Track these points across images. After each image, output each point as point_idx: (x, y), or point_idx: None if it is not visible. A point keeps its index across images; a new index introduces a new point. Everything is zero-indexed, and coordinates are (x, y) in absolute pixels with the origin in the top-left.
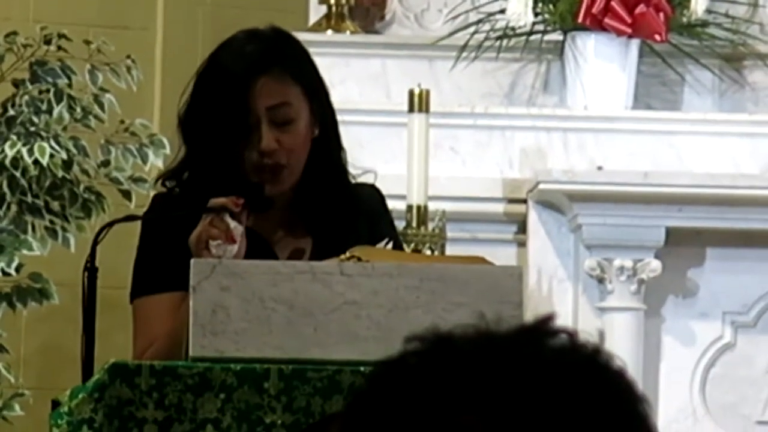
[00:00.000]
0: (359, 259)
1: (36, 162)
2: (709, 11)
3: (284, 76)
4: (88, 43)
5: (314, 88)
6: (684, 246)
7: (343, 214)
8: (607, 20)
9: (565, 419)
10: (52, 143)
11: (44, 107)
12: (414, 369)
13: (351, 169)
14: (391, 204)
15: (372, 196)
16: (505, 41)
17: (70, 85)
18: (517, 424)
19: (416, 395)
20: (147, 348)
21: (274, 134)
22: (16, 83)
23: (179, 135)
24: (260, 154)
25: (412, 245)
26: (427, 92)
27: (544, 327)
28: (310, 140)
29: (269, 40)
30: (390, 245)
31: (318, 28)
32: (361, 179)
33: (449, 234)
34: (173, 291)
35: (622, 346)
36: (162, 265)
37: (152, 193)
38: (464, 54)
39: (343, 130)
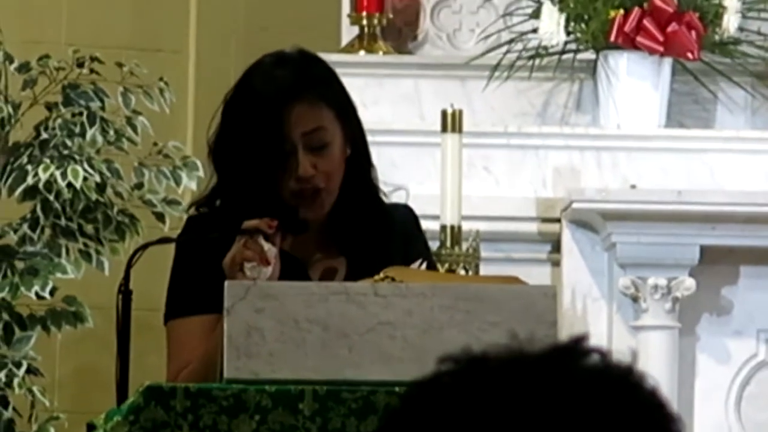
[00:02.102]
0: (393, 280)
1: (69, 185)
2: (741, 29)
3: (317, 101)
4: (120, 65)
5: (345, 108)
6: (718, 264)
7: (377, 235)
8: (639, 39)
9: None
10: (86, 166)
11: (77, 130)
12: (448, 389)
13: (382, 186)
14: (425, 224)
15: (406, 217)
16: (537, 60)
17: (103, 108)
18: None
19: (450, 416)
20: (181, 370)
21: (311, 159)
22: (49, 106)
23: (210, 162)
24: (297, 181)
25: (447, 265)
26: (460, 112)
27: (577, 347)
28: (344, 161)
29: (298, 64)
30: (424, 265)
31: (350, 49)
32: (393, 196)
33: (483, 254)
34: (207, 313)
35: (656, 364)
36: (196, 287)
37: (185, 216)
38: (497, 73)
39: (376, 150)
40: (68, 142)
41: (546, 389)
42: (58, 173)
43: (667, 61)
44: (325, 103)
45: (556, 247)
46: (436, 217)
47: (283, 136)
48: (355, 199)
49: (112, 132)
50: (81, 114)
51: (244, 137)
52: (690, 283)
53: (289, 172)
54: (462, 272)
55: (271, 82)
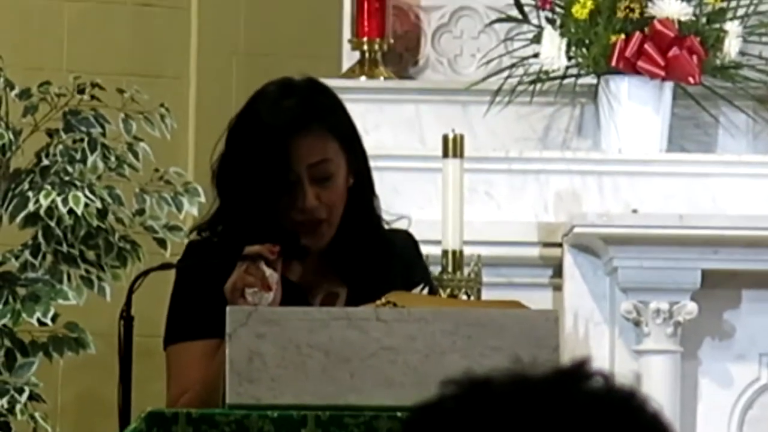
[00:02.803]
0: (395, 305)
1: (71, 211)
2: (742, 53)
3: (323, 132)
4: (121, 92)
5: (350, 138)
6: (720, 288)
7: (378, 262)
8: (640, 63)
9: None
10: (87, 192)
11: (78, 156)
12: (451, 413)
13: (385, 215)
14: (427, 249)
15: (405, 243)
16: (538, 85)
17: (103, 134)
18: None
19: None
20: (181, 395)
21: (315, 191)
22: (50, 133)
23: (213, 188)
24: (301, 212)
25: (448, 290)
26: (462, 137)
27: (579, 370)
28: (346, 191)
29: (305, 93)
30: (425, 291)
31: (351, 74)
32: (395, 225)
33: (485, 279)
34: (208, 338)
35: (659, 388)
36: (197, 312)
37: (186, 240)
38: (498, 98)
39: (377, 176)
40: (69, 169)
41: (549, 413)
42: (59, 199)
43: (669, 86)
44: (331, 134)
45: (558, 271)
46: (437, 242)
47: (288, 167)
48: (357, 228)
49: (113, 158)
50: (82, 140)
51: (248, 166)
52: (692, 307)
53: (293, 202)
54: (464, 297)
55: (277, 111)
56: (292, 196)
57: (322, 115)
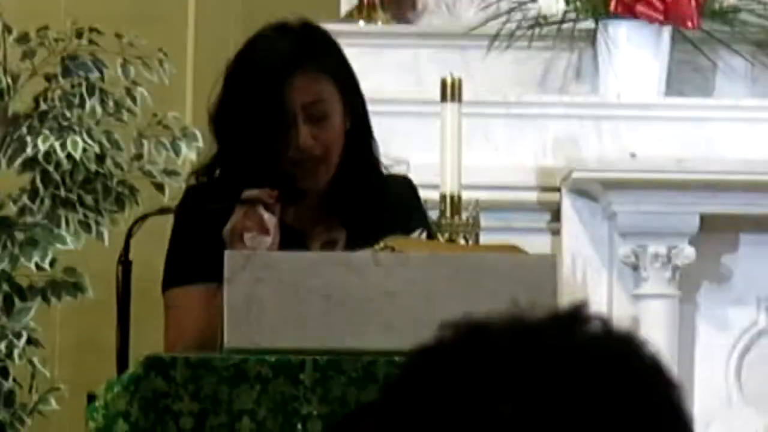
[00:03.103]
0: (393, 250)
1: (69, 156)
2: None
3: (318, 72)
4: (119, 36)
5: (346, 81)
6: (718, 232)
7: (377, 206)
8: (639, 7)
9: (598, 406)
10: (85, 137)
11: (76, 101)
12: (448, 357)
13: (383, 160)
14: (425, 194)
15: (405, 188)
16: (537, 30)
17: (102, 79)
18: (551, 412)
19: (451, 383)
20: (179, 339)
21: (310, 131)
22: (48, 78)
23: (211, 132)
24: (297, 151)
25: (447, 235)
26: (460, 81)
27: (577, 314)
28: (343, 133)
29: (300, 35)
30: (424, 235)
31: (350, 18)
32: (394, 169)
33: (483, 223)
34: (206, 282)
35: (656, 332)
36: (195, 257)
37: (185, 185)
38: (496, 43)
39: (375, 120)
40: (67, 114)
41: (547, 356)
42: (57, 144)
43: (667, 30)
44: (325, 74)
45: (556, 216)
46: (435, 187)
47: (283, 107)
48: (355, 171)
49: (111, 103)
50: (80, 85)
51: (244, 107)
52: (690, 251)
53: (289, 142)
54: (462, 241)
55: (272, 52)
56: (288, 136)
57: (317, 56)
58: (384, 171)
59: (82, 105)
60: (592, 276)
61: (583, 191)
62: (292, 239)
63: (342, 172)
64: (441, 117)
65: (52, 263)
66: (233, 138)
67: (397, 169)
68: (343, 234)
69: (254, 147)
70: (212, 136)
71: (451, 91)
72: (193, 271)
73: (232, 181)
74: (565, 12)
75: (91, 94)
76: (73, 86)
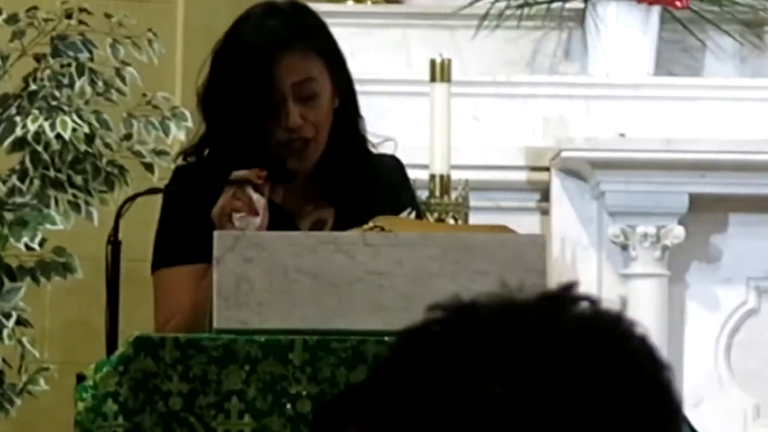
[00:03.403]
0: (382, 229)
1: (58, 136)
2: None
3: (307, 51)
4: (109, 16)
5: (334, 59)
6: (707, 212)
7: (365, 185)
8: None
9: (588, 387)
10: (74, 117)
11: (66, 81)
12: (437, 338)
13: (371, 138)
14: (414, 174)
15: (393, 167)
16: (526, 9)
17: (91, 59)
18: (541, 392)
19: (440, 364)
20: (169, 320)
21: (300, 110)
22: (38, 58)
23: (199, 112)
24: (286, 131)
25: (436, 214)
26: (449, 61)
27: (566, 294)
28: (332, 112)
29: (289, 14)
30: (413, 215)
31: None
32: (382, 148)
33: (472, 203)
34: (195, 263)
35: (646, 312)
36: (184, 237)
37: (174, 166)
38: (485, 23)
39: (364, 100)
40: (57, 93)
41: (535, 337)
42: (46, 124)
43: (656, 9)
44: (315, 53)
45: (545, 195)
46: (424, 167)
47: (272, 86)
48: (343, 150)
49: (100, 83)
50: (69, 65)
51: (233, 87)
52: (679, 231)
53: (278, 121)
54: (451, 221)
55: (261, 32)
56: (277, 116)
57: (306, 35)
58: (372, 150)
59: (71, 85)
60: (581, 256)
61: (572, 171)
62: (281, 219)
63: (330, 151)
64: (430, 97)
65: (41, 243)
66: (222, 118)
67: (385, 147)
68: (331, 213)
69: (243, 126)
70: (200, 116)
71: (440, 71)
72: (182, 251)
73: (221, 161)
74: None
75: (80, 74)
76: (62, 66)
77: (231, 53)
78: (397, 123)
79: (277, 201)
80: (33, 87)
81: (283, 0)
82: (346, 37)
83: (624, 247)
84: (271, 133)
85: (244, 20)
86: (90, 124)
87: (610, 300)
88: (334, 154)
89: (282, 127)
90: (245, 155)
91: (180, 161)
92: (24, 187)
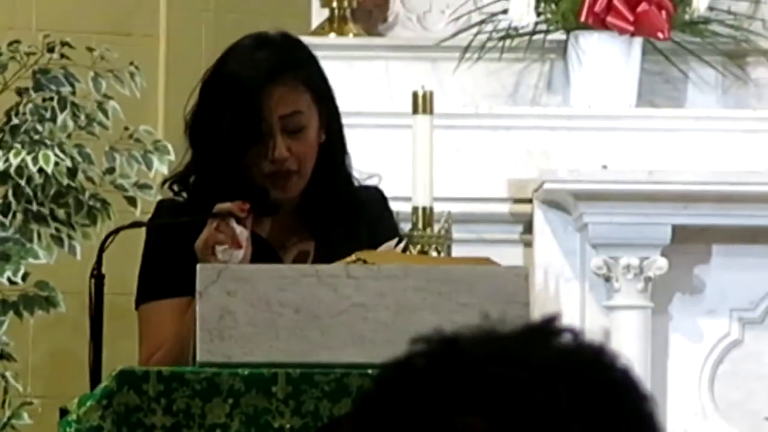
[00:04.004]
0: (365, 262)
1: (41, 170)
2: (711, 8)
3: (296, 84)
4: (90, 50)
5: (323, 93)
6: (690, 243)
7: (346, 218)
8: (609, 19)
9: (570, 419)
10: (57, 151)
11: (48, 115)
12: (420, 370)
13: (356, 174)
14: (397, 206)
15: (374, 198)
16: (508, 41)
17: (73, 93)
18: (523, 425)
19: (423, 397)
20: (153, 353)
21: (286, 142)
22: (20, 92)
23: (186, 140)
24: (272, 163)
25: (418, 247)
26: (431, 94)
27: (548, 326)
28: (318, 145)
29: (279, 46)
30: (401, 244)
31: (321, 31)
32: (366, 183)
33: (455, 235)
34: (179, 296)
35: (629, 344)
36: (167, 271)
37: (158, 199)
38: (467, 55)
39: (347, 132)
40: (39, 127)
41: (517, 369)
42: (29, 158)
43: (638, 41)
44: (304, 86)
45: (528, 227)
46: (407, 199)
47: (261, 117)
48: (327, 184)
49: (83, 117)
50: (52, 99)
51: (221, 116)
52: (662, 262)
53: (264, 153)
54: (434, 254)
55: (251, 63)
56: (263, 147)
57: (296, 67)
58: (356, 183)
59: (53, 119)
60: (564, 287)
61: (555, 203)
62: (265, 252)
63: (315, 184)
64: (412, 129)
65: (24, 277)
66: (208, 146)
67: (370, 183)
68: (312, 245)
69: (229, 156)
70: (187, 143)
71: (422, 104)
72: (166, 285)
73: (204, 192)
74: (536, 23)
75: (62, 107)
76: (44, 100)
77: (220, 83)
78: (380, 155)
79: (262, 234)
80: (15, 121)
81: (273, 32)
82: (329, 70)
83: (607, 279)
84: (256, 164)
85: (234, 51)
86: (72, 158)
87: (592, 332)
88: (319, 187)
89: (267, 159)
90: (229, 186)
91: (165, 191)
92: (6, 221)
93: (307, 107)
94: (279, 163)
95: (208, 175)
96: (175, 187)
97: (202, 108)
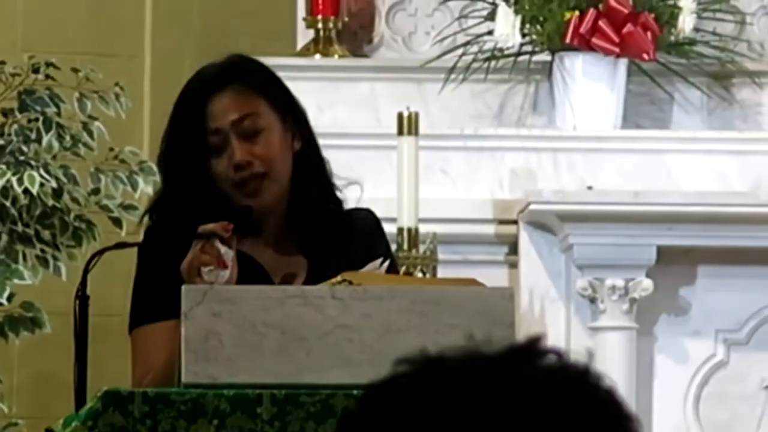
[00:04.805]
0: (351, 283)
1: (26, 191)
2: (696, 29)
3: (244, 90)
4: (76, 71)
5: (283, 102)
6: (675, 264)
7: (338, 237)
8: (594, 40)
9: None
10: (42, 172)
11: (33, 136)
12: (404, 391)
13: (336, 181)
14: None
15: (367, 219)
16: (493, 63)
17: (59, 114)
18: None
19: (407, 417)
20: (145, 376)
21: (246, 147)
22: (5, 112)
23: (159, 171)
24: (236, 169)
25: (404, 268)
26: (417, 115)
27: (533, 347)
28: (289, 153)
29: (228, 62)
30: (386, 264)
31: (306, 52)
32: (347, 190)
33: (441, 256)
34: (170, 319)
35: (614, 365)
36: (157, 294)
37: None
38: (453, 76)
39: (333, 154)
40: (24, 148)
41: (502, 390)
42: (14, 179)
43: (623, 62)
44: (254, 91)
45: (514, 248)
46: (393, 220)
47: (210, 126)
48: (309, 194)
49: (68, 137)
50: (37, 120)
51: (178, 134)
52: (647, 283)
53: (227, 161)
54: (419, 275)
55: (197, 78)
56: (224, 156)
57: (243, 76)
58: (340, 195)
59: (38, 140)
60: (549, 309)
61: (540, 224)
62: (253, 271)
63: (296, 196)
64: (398, 150)
65: (9, 298)
66: (175, 170)
67: (350, 190)
68: (304, 264)
69: (194, 174)
70: (160, 173)
71: (407, 125)
72: (156, 309)
73: (185, 215)
74: (521, 45)
75: (47, 128)
76: (29, 121)
77: (175, 106)
78: (365, 176)
79: (251, 253)
80: (0, 142)
81: (235, 54)
82: (314, 91)
83: (592, 300)
84: (223, 175)
85: (194, 76)
86: (57, 179)
87: (577, 353)
88: (301, 199)
89: (231, 166)
90: (205, 204)
91: (146, 220)
92: None
93: (263, 110)
94: (244, 169)
95: (182, 198)
96: (155, 218)
97: (167, 133)
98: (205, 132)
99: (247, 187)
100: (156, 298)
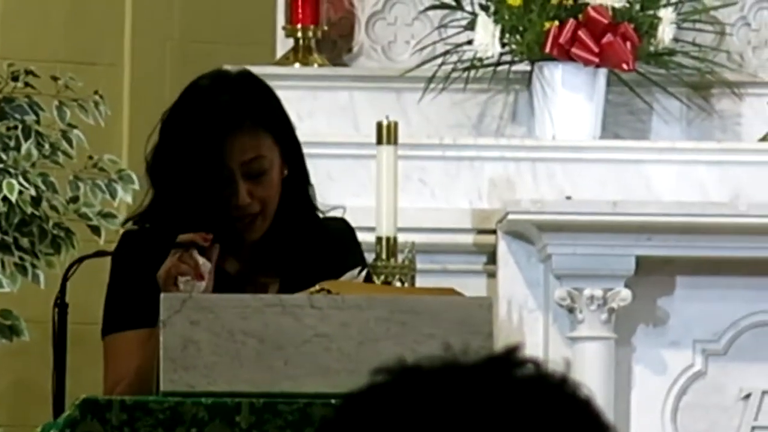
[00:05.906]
0: (329, 292)
1: (5, 199)
2: (676, 40)
3: (257, 129)
4: (55, 79)
5: (283, 131)
6: (654, 275)
7: (311, 251)
8: (574, 50)
9: None
10: (21, 180)
11: (12, 144)
12: (381, 400)
13: (320, 206)
14: (361, 236)
15: (341, 230)
16: (472, 72)
17: (38, 122)
18: None
19: (384, 426)
20: (117, 384)
21: (248, 187)
22: None
23: (147, 180)
24: (235, 209)
25: (382, 277)
26: (396, 124)
27: (510, 357)
28: (281, 183)
29: (239, 89)
30: (363, 274)
31: (285, 61)
32: (330, 215)
33: (419, 265)
34: (143, 327)
35: (592, 375)
36: (131, 302)
37: (121, 229)
38: (432, 85)
39: (311, 162)
40: (3, 156)
41: (479, 399)
42: None
43: (602, 72)
44: (264, 130)
45: (492, 258)
46: (371, 229)
47: (222, 164)
48: (291, 218)
49: (47, 145)
50: (16, 128)
51: (182, 160)
52: (626, 293)
53: (226, 197)
54: (398, 284)
55: (211, 108)
56: (225, 192)
57: (256, 111)
58: (320, 215)
59: (17, 147)
60: (527, 318)
61: (518, 233)
62: (228, 286)
63: (279, 219)
64: (377, 159)
65: None
66: (170, 188)
67: (334, 214)
68: (276, 280)
69: (191, 199)
70: (149, 183)
71: (386, 134)
72: (130, 316)
73: (168, 226)
74: (501, 54)
75: (27, 136)
76: (8, 129)
77: (181, 126)
78: (344, 185)
79: (225, 267)
80: None
81: (232, 70)
82: (293, 100)
83: (570, 310)
84: (220, 209)
85: (194, 92)
86: (36, 187)
87: (555, 362)
88: (283, 222)
89: (231, 206)
90: (193, 225)
91: (129, 225)
92: None
93: (269, 150)
94: (242, 209)
95: (171, 215)
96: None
97: (164, 149)
98: (218, 168)
99: (240, 223)
100: (130, 306)
